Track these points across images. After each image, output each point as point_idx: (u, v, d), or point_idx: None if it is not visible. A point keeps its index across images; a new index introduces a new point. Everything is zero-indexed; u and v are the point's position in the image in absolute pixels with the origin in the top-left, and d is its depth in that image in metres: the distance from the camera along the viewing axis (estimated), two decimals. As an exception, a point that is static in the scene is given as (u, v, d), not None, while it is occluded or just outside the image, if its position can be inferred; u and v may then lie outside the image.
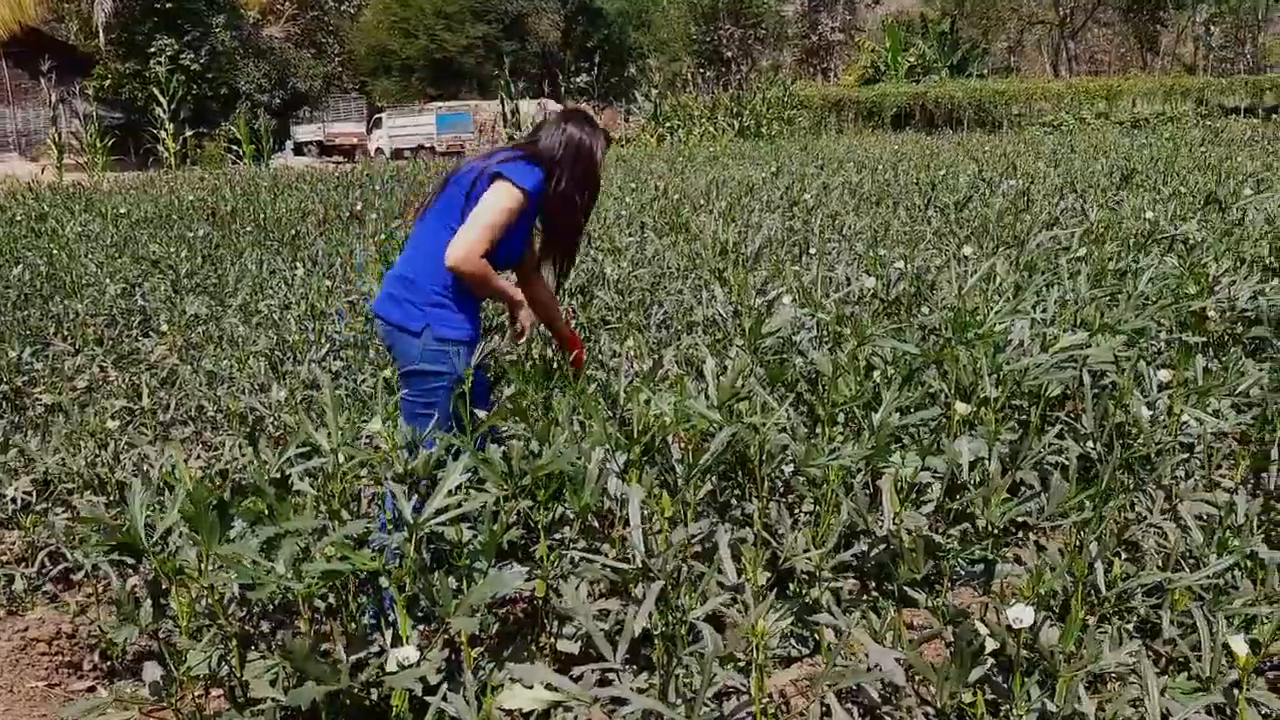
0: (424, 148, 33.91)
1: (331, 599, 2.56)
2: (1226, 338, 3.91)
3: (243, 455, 3.69)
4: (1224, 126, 17.71)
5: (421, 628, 2.70)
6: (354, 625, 2.52)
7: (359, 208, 10.46)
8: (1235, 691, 1.81)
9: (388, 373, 4.02)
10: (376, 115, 38.36)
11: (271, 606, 2.64)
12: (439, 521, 2.09)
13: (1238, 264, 4.35)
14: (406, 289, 3.06)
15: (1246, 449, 3.10)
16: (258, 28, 41.43)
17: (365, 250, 7.46)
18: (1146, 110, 30.45)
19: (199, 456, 4.13)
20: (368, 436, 3.06)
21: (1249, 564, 2.47)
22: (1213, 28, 55.25)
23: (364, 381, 4.39)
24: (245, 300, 6.14)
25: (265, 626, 2.67)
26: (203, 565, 2.14)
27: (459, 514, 2.12)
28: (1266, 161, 9.53)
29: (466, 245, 2.92)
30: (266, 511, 2.16)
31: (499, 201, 2.97)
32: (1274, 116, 21.47)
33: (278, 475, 2.35)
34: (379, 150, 35.74)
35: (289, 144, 39.45)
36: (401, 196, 11.80)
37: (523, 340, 3.26)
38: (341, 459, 2.41)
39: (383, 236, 7.73)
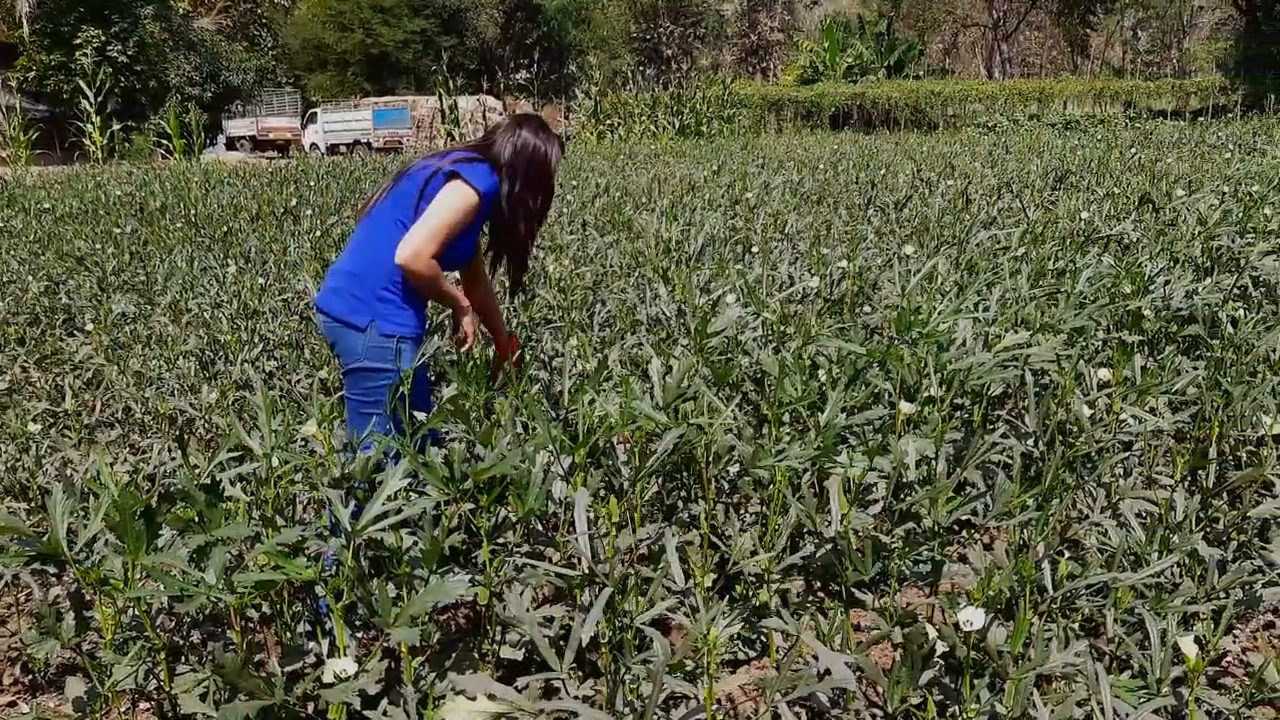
0: (360, 143, 33.49)
1: (265, 608, 2.48)
2: (1162, 336, 3.96)
3: (172, 459, 3.57)
4: (1153, 129, 18.13)
5: (360, 635, 2.64)
6: (288, 635, 2.44)
7: (294, 203, 10.26)
8: (1185, 693, 1.81)
9: (324, 373, 3.94)
10: (311, 110, 37.78)
11: (201, 617, 2.55)
12: (378, 528, 2.02)
13: (1172, 263, 4.42)
14: (352, 283, 2.98)
15: (1184, 447, 3.14)
16: (188, 19, 40.52)
17: (300, 247, 7.31)
18: (1077, 112, 31.09)
19: (125, 461, 3.99)
20: (303, 439, 2.98)
21: (1189, 561, 2.49)
22: (1140, 32, 56.72)
23: (299, 382, 4.28)
24: (175, 298, 5.97)
25: (195, 637, 2.57)
26: (129, 575, 2.04)
27: (399, 520, 2.05)
28: (1194, 164, 9.75)
29: (417, 244, 2.87)
30: (196, 519, 2.08)
31: (453, 202, 2.92)
32: (1199, 120, 22.04)
33: (208, 480, 2.26)
34: (314, 145, 35.23)
35: (221, 138, 38.72)
36: (338, 192, 11.60)
37: (465, 347, 3.20)
38: (276, 463, 2.33)
39: (318, 233, 7.59)
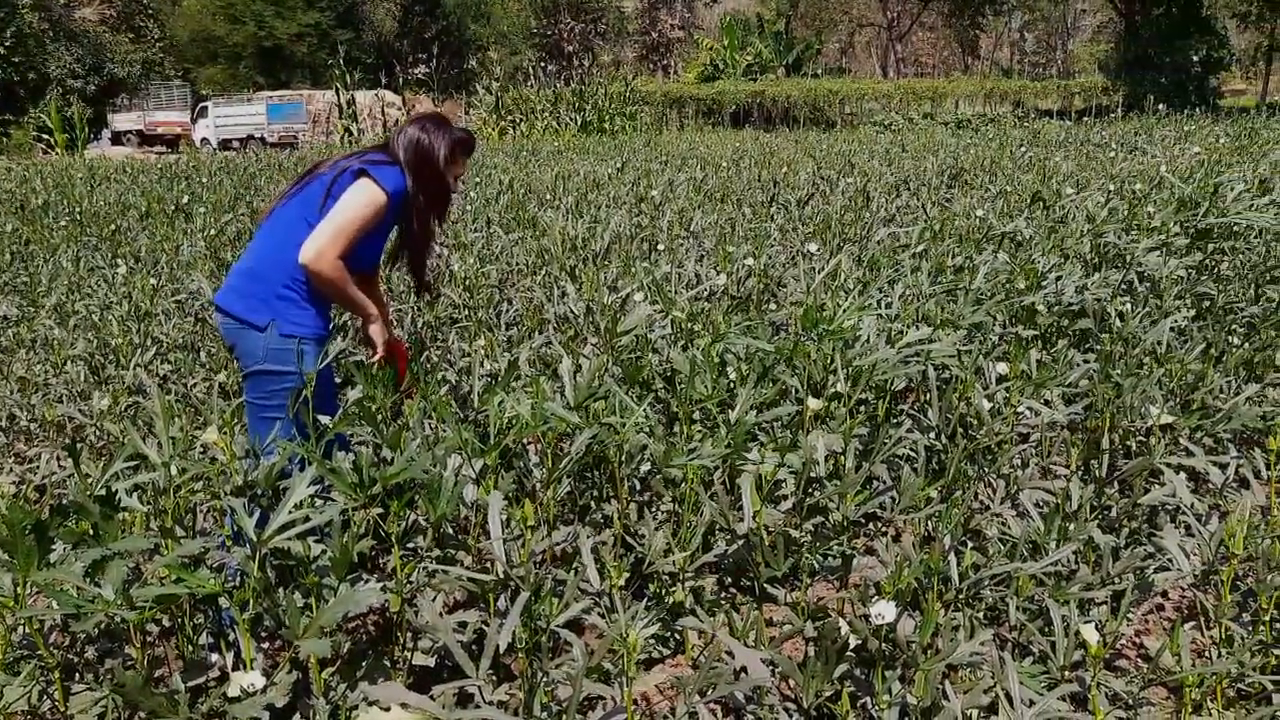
0: (254, 138, 32.67)
1: (165, 621, 2.39)
2: (1054, 331, 4.10)
3: (61, 469, 3.42)
4: (1040, 128, 18.75)
5: (266, 645, 2.56)
6: (190, 648, 2.36)
7: (186, 200, 9.93)
8: (1086, 677, 1.87)
9: (223, 376, 3.82)
10: (202, 104, 36.68)
11: (98, 632, 2.45)
12: (285, 537, 1.97)
13: (1063, 260, 4.57)
14: (251, 281, 2.88)
15: (1077, 438, 3.25)
16: (69, 9, 38.95)
17: (193, 246, 7.09)
18: (969, 111, 31.99)
19: (11, 471, 3.82)
20: (203, 447, 2.88)
21: (1085, 549, 2.58)
22: (1027, 34, 58.62)
23: (195, 386, 4.15)
24: (60, 300, 5.73)
25: (92, 654, 2.47)
26: (19, 593, 1.95)
27: (307, 528, 2.00)
28: (1081, 163, 10.11)
29: (321, 243, 2.79)
30: (91, 532, 1.99)
31: (359, 200, 2.85)
32: (1084, 119, 22.88)
33: (103, 491, 2.17)
34: (205, 140, 34.24)
35: (106, 133, 37.35)
36: (231, 189, 11.28)
37: (374, 356, 3.13)
38: (174, 472, 2.25)
39: (212, 231, 7.36)
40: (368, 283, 3.23)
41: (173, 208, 9.65)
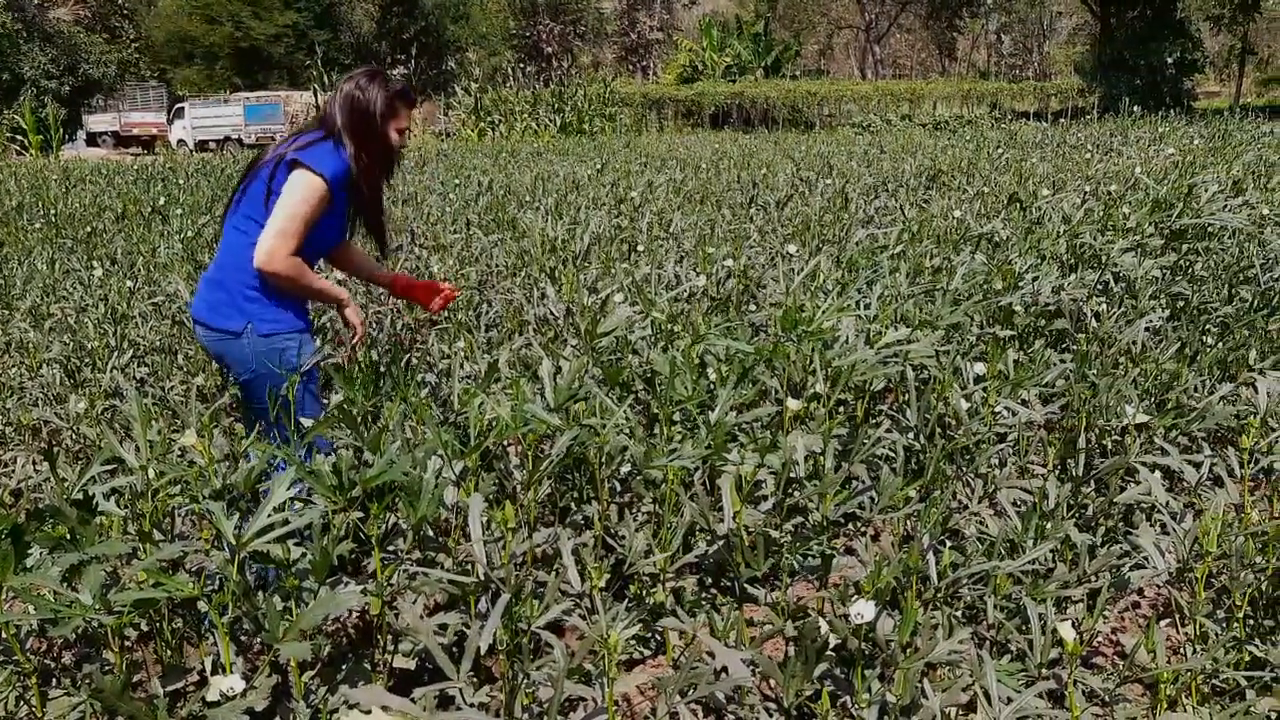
0: (231, 139, 32.48)
1: (144, 625, 2.38)
2: (1031, 331, 4.13)
3: (38, 473, 3.40)
4: (1017, 130, 18.88)
5: (246, 651, 2.55)
6: (169, 653, 2.35)
7: (162, 202, 9.87)
8: (1063, 674, 1.89)
9: (200, 379, 3.80)
10: (178, 105, 36.44)
11: (75, 637, 2.43)
12: (264, 541, 1.96)
13: (1040, 261, 4.61)
14: (217, 289, 2.88)
15: (1054, 437, 3.28)
16: (43, 9, 38.58)
17: (170, 248, 7.04)
18: (947, 113, 32.16)
19: (-14, 475, 3.78)
20: (181, 450, 2.87)
21: (1062, 547, 2.60)
22: (1003, 36, 59.02)
23: (173, 389, 4.12)
24: (35, 303, 5.68)
25: (69, 659, 2.45)
26: (-6, 599, 1.94)
27: (286, 532, 1.99)
28: (1058, 164, 10.19)
29: (269, 245, 2.76)
30: (68, 536, 1.98)
31: (298, 194, 2.79)
32: (1060, 121, 23.07)
33: (80, 496, 2.16)
34: (181, 142, 34.03)
35: (81, 134, 37.05)
36: (209, 190, 11.21)
37: (357, 340, 3.11)
38: (152, 475, 2.23)
39: (190, 233, 7.32)
40: (342, 254, 3.21)
41: (149, 209, 9.58)
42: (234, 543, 1.94)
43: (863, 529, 3.14)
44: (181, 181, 12.48)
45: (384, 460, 2.23)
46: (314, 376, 3.03)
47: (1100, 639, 2.68)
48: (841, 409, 3.45)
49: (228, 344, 2.86)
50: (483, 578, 2.02)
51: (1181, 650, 2.47)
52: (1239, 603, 2.24)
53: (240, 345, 2.84)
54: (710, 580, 2.90)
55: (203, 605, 2.04)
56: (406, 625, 1.91)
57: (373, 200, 3.01)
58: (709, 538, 2.58)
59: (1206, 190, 5.61)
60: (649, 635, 2.57)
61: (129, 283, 5.57)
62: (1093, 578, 2.45)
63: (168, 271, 6.21)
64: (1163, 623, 2.74)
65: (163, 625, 2.35)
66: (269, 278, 2.80)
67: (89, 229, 8.51)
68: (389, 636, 2.35)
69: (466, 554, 2.32)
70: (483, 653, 1.86)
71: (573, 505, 2.87)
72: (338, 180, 2.85)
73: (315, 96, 29.40)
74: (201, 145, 32.88)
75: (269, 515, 2.00)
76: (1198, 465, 2.96)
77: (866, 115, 32.92)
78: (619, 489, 3.05)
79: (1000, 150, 12.59)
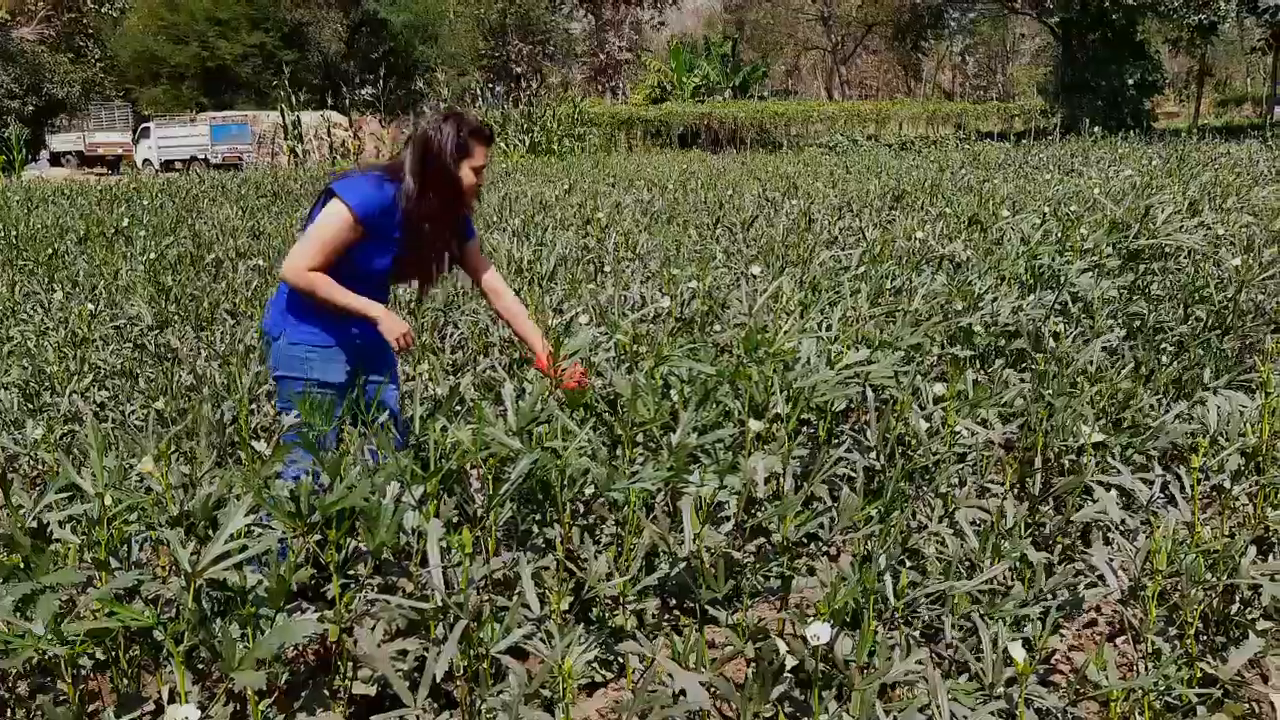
0: (197, 159, 32.27)
1: (99, 654, 2.35)
2: (991, 351, 4.18)
3: (-7, 500, 3.35)
4: (981, 150, 19.10)
5: (203, 680, 2.53)
6: (126, 681, 2.32)
7: (126, 224, 9.79)
8: (1015, 695, 1.91)
9: (160, 404, 3.77)
10: (144, 125, 36.17)
11: (29, 666, 2.40)
12: (220, 568, 1.95)
13: (999, 281, 4.67)
14: (274, 300, 3.19)
15: (1012, 457, 3.32)
16: (6, 28, 38.22)
17: (133, 270, 6.99)
18: (912, 133, 32.50)
19: (-59, 502, 3.72)
20: (139, 476, 2.84)
21: (1020, 566, 2.63)
22: (968, 58, 59.82)
23: (134, 414, 4.08)
24: (-5, 326, 5.61)
25: (24, 689, 2.42)
26: (-55, 629, 1.91)
27: (243, 558, 1.98)
28: (1019, 184, 10.32)
29: (292, 258, 2.99)
30: (21, 565, 1.96)
31: (323, 219, 3.00)
32: (1023, 141, 23.38)
33: (35, 523, 2.14)
34: (147, 161, 33.78)
35: (45, 154, 36.69)
36: (173, 211, 11.14)
37: (400, 351, 3.14)
38: (109, 502, 2.22)
39: (153, 255, 7.27)
40: (492, 294, 3.40)
41: (112, 231, 9.50)
42: (189, 570, 1.93)
43: (825, 549, 3.16)
44: (146, 202, 12.38)
45: (343, 486, 2.23)
46: (350, 393, 3.08)
47: (1059, 657, 2.71)
48: (804, 430, 3.48)
49: (270, 345, 3.15)
50: (440, 603, 2.01)
51: (1136, 667, 2.51)
52: (1190, 619, 2.27)
53: (276, 347, 3.11)
54: (674, 602, 2.91)
55: (159, 634, 2.02)
56: (364, 653, 1.91)
57: (431, 239, 3.15)
58: (671, 560, 2.59)
59: (1163, 211, 5.71)
60: (611, 659, 2.58)
61: (90, 306, 5.52)
62: (1049, 596, 2.48)
63: (130, 294, 6.16)
64: (1119, 640, 2.78)
65: (119, 654, 2.33)
66: (292, 288, 3.04)
67: (50, 251, 8.42)
68: (349, 663, 2.34)
69: (428, 579, 2.32)
70: (438, 679, 1.86)
71: (535, 528, 2.87)
72: (368, 211, 3.01)
73: (283, 116, 29.25)
74: (167, 165, 32.63)
75: (225, 542, 1.99)
76: (1150, 483, 3.01)
77: (833, 136, 33.18)
78: (583, 511, 3.06)
79: (964, 171, 12.74)
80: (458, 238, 3.28)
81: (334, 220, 2.99)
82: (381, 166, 3.12)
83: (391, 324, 3.11)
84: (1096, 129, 20.91)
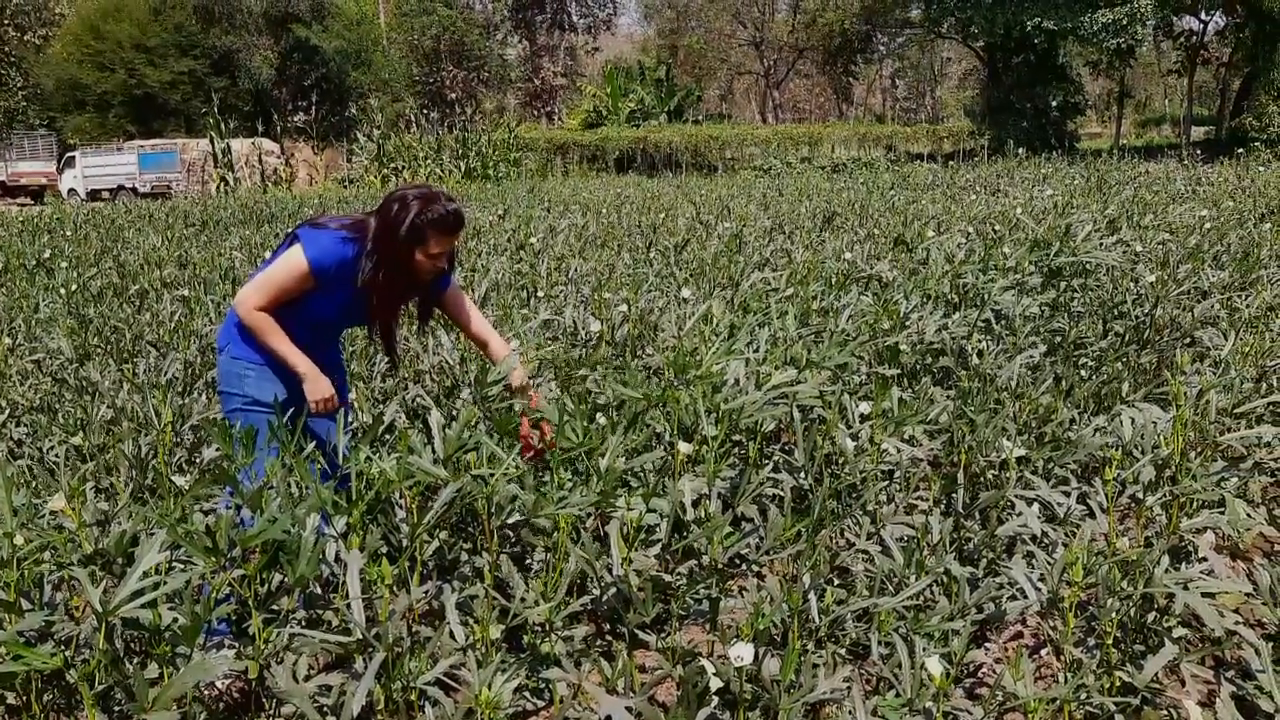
0: (125, 188, 31.68)
1: (12, 698, 2.28)
2: (918, 369, 4.24)
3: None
4: (910, 172, 19.45)
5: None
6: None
7: (48, 255, 9.56)
8: (935, 710, 1.93)
9: (78, 439, 3.69)
10: (69, 154, 35.41)
11: (-64, 715, 2.32)
12: (133, 606, 1.91)
13: (924, 300, 4.75)
14: (230, 311, 3.18)
15: (938, 473, 3.36)
16: (-77, 56, 37.26)
17: (53, 303, 6.82)
18: (844, 156, 32.99)
19: None
20: (51, 513, 2.77)
21: (945, 581, 2.67)
22: (898, 81, 61.02)
23: (51, 450, 3.98)
24: (-93, 362, 5.44)
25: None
26: None
27: (157, 595, 1.94)
28: (945, 205, 10.52)
29: (244, 291, 3.02)
30: (-75, 610, 1.90)
31: (281, 263, 3.02)
32: (951, 163, 23.87)
33: (-61, 566, 2.07)
34: (72, 191, 33.08)
35: (-35, 184, 35.74)
36: (98, 242, 10.90)
37: (319, 412, 3.10)
38: (19, 542, 2.15)
39: (74, 287, 7.10)
40: (480, 343, 3.40)
41: (34, 263, 9.27)
42: (98, 610, 1.88)
43: (755, 569, 3.18)
44: (69, 233, 12.11)
45: (264, 519, 2.19)
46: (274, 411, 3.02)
47: (985, 670, 2.74)
48: (735, 451, 3.50)
49: (217, 359, 3.17)
50: (360, 637, 1.99)
51: (1059, 677, 2.55)
52: (1109, 629, 2.32)
53: (220, 361, 3.15)
54: (609, 626, 2.90)
55: (71, 676, 1.96)
56: (282, 689, 1.87)
57: (381, 308, 3.19)
58: (600, 584, 2.58)
59: (1083, 229, 5.86)
60: (541, 686, 2.56)
61: (7, 340, 5.38)
62: (974, 610, 2.51)
63: (50, 327, 6.01)
64: (1043, 651, 2.83)
65: (31, 698, 2.26)
66: (239, 317, 3.04)
67: (-32, 284, 8.20)
68: (272, 700, 2.29)
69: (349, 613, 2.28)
70: (354, 715, 1.83)
71: (464, 556, 2.85)
72: (324, 266, 3.01)
73: (212, 144, 28.86)
74: (94, 195, 32.00)
75: (139, 579, 1.94)
76: (1069, 495, 3.07)
77: (767, 159, 33.57)
78: (512, 539, 3.04)
79: (893, 191, 12.96)
80: (426, 292, 3.29)
81: (289, 268, 3.00)
82: (352, 222, 3.08)
83: (315, 386, 3.11)
84: (1022, 150, 21.40)
